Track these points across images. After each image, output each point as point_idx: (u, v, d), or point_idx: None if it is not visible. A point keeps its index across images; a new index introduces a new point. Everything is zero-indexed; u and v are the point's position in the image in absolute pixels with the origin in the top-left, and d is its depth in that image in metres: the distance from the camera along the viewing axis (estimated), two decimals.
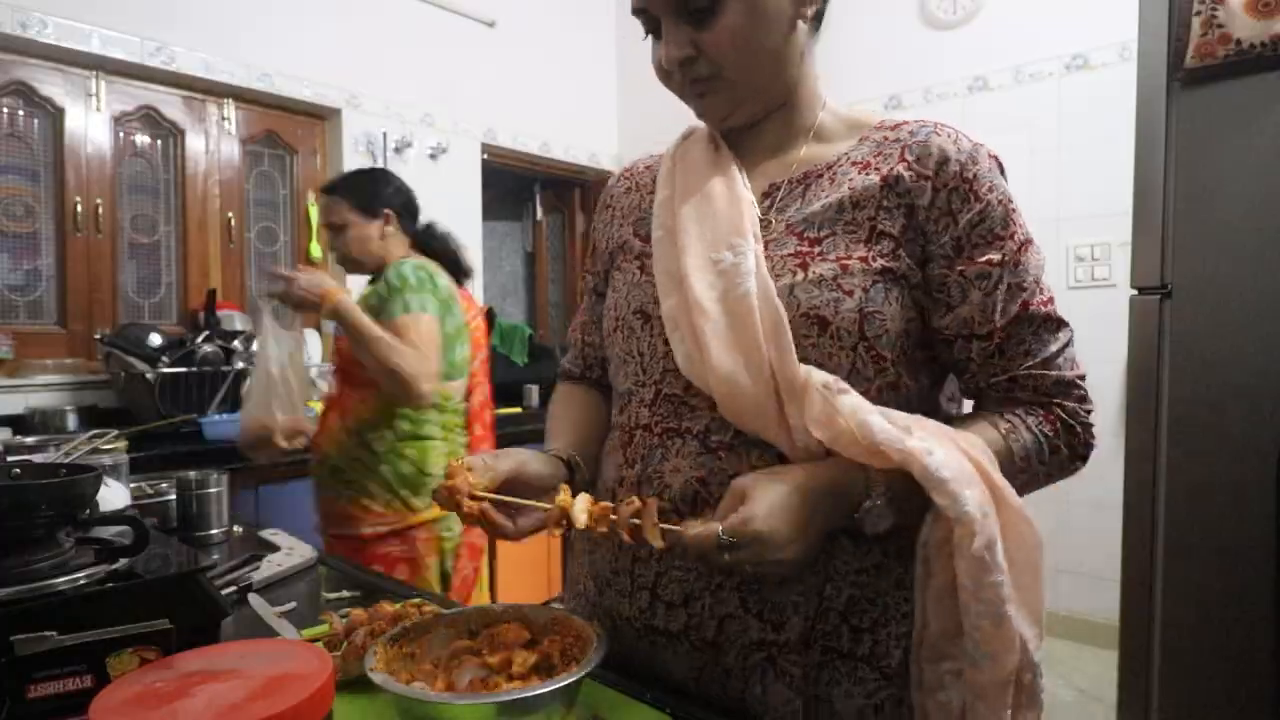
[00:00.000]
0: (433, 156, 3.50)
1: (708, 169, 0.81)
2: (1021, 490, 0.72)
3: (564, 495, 0.71)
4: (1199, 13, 1.21)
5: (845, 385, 0.68)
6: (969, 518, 0.64)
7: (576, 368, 1.00)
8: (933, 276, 0.74)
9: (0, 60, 2.43)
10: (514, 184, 4.51)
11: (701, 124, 0.85)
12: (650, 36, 0.77)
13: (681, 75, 0.75)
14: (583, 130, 4.19)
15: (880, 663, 0.72)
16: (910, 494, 0.66)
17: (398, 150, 3.35)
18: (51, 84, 2.54)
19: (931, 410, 0.77)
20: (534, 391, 3.45)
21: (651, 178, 0.90)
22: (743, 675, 0.73)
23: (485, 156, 3.76)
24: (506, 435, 3.18)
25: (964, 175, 0.72)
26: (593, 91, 4.27)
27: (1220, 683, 1.25)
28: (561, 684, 0.61)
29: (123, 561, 0.74)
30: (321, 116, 3.22)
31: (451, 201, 3.58)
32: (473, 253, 3.73)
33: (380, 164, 3.29)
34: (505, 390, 3.64)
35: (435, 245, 1.92)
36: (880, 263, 0.71)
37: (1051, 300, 0.75)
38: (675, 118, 0.88)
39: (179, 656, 0.54)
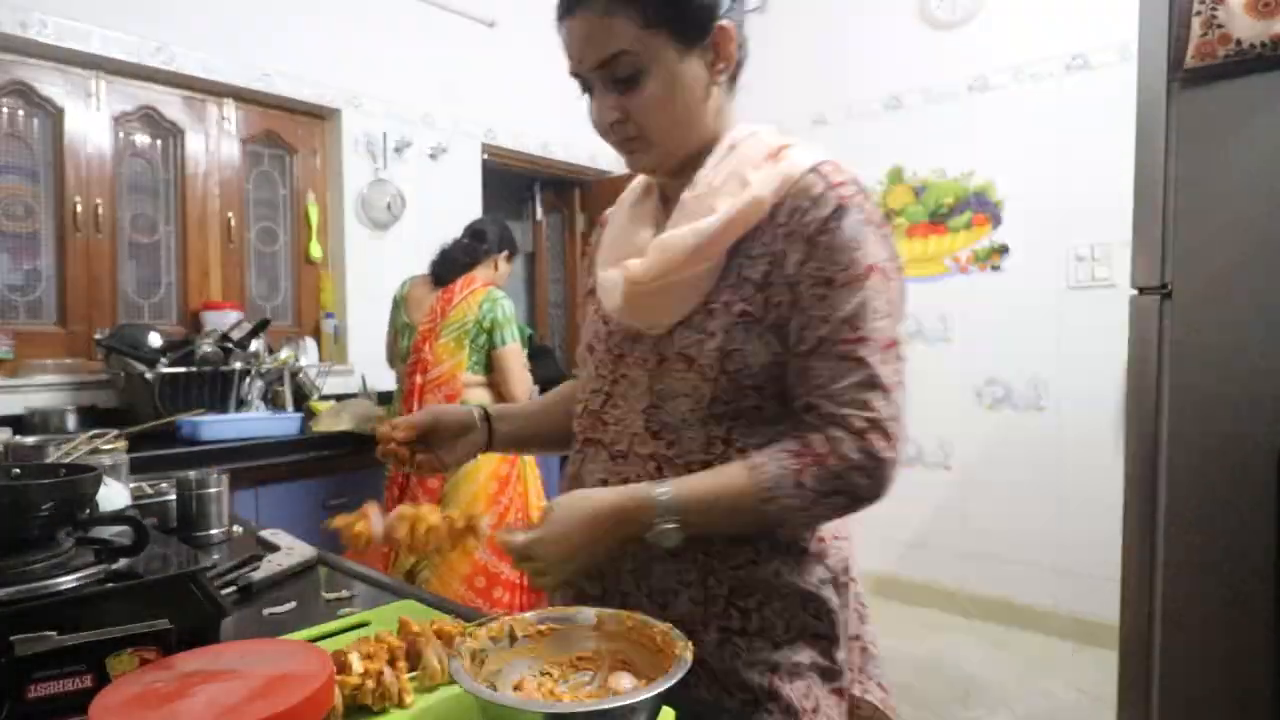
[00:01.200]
0: (433, 156, 3.50)
1: (630, 213, 0.95)
2: (782, 520, 0.78)
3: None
4: (1199, 13, 1.21)
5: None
6: None
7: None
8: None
9: (0, 60, 2.43)
10: (514, 184, 4.50)
11: None
12: (587, 95, 0.88)
13: (613, 134, 0.86)
14: (583, 130, 4.12)
15: (773, 635, 0.83)
16: (706, 513, 0.76)
17: (398, 150, 3.35)
18: (51, 84, 2.53)
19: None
20: (534, 392, 3.44)
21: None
22: None
23: (485, 156, 3.76)
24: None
25: (802, 220, 0.79)
26: None
27: (1220, 683, 1.25)
28: (649, 693, 0.57)
29: (122, 561, 0.74)
30: (321, 116, 3.21)
31: (451, 201, 3.58)
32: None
33: (380, 164, 3.29)
34: None
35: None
36: (740, 306, 0.80)
37: (860, 340, 0.77)
38: None
39: (179, 656, 0.54)
